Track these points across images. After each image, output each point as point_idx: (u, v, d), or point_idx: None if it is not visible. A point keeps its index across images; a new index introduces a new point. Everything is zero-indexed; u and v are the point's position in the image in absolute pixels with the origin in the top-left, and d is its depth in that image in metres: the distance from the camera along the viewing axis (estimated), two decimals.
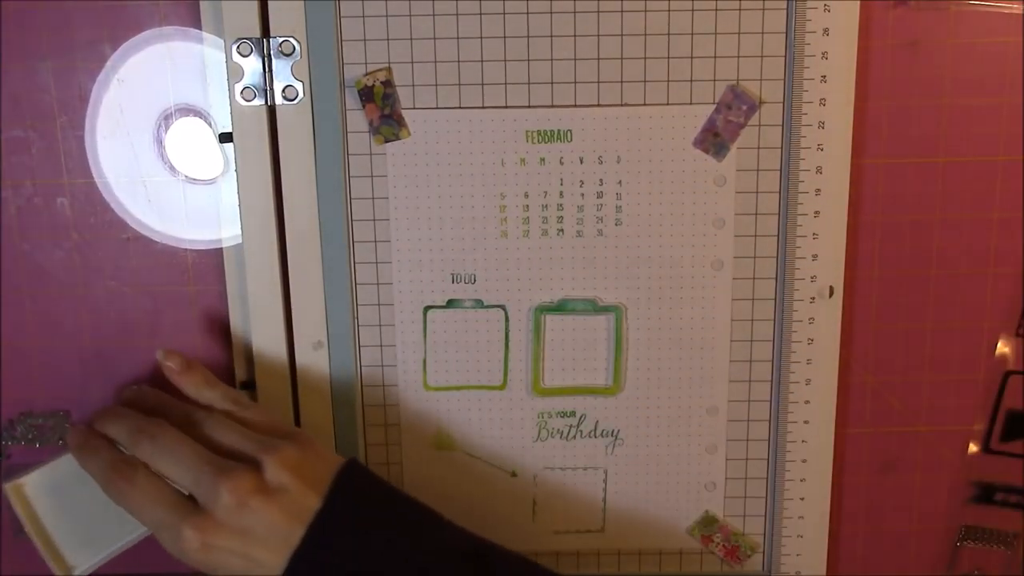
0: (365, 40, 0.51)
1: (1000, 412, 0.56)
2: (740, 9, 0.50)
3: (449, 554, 0.46)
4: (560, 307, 0.54)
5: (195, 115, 0.53)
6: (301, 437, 0.48)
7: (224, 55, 0.50)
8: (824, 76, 0.50)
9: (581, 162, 0.52)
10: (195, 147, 0.53)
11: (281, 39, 0.50)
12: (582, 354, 0.54)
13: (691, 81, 0.51)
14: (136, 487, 0.46)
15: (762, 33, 0.50)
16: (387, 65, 0.51)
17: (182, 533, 0.44)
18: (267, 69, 0.50)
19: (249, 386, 0.55)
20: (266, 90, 0.51)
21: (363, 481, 0.48)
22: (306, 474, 0.46)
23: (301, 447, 0.47)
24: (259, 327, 0.53)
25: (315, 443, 0.48)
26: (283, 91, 0.51)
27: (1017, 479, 0.57)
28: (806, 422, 0.55)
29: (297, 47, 0.50)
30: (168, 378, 0.51)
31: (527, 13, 0.50)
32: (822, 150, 0.51)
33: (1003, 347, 0.55)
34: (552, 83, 0.51)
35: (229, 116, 0.51)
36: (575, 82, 0.51)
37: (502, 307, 0.54)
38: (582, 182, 0.52)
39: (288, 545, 0.45)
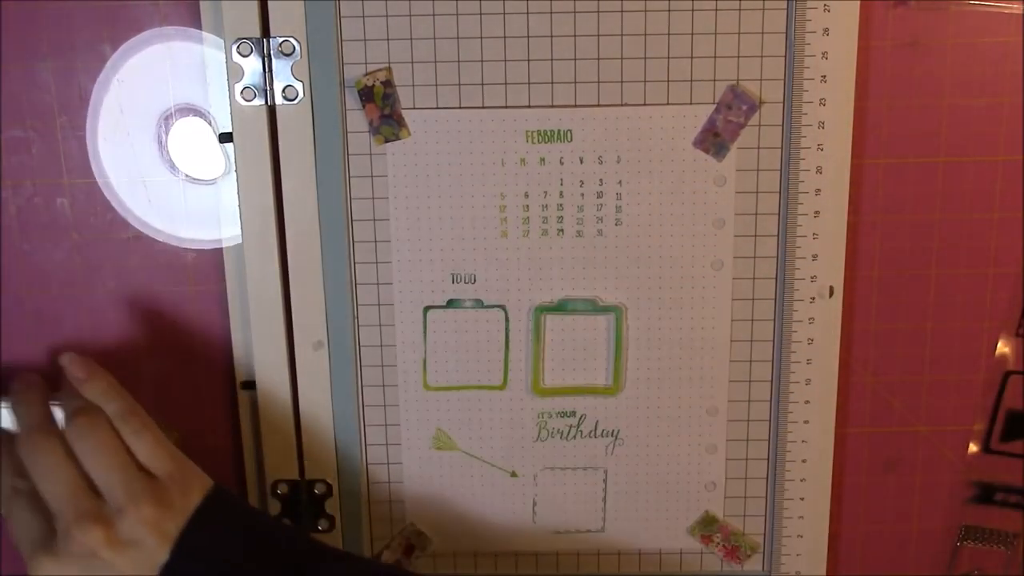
0: (365, 40, 0.51)
1: (1000, 412, 0.56)
2: (740, 9, 0.50)
3: None
4: (560, 307, 0.54)
5: (195, 115, 0.53)
6: (175, 478, 0.48)
7: (224, 55, 0.50)
8: (824, 76, 0.50)
9: (581, 162, 0.52)
10: (195, 147, 0.53)
11: (281, 39, 0.50)
12: (582, 354, 0.54)
13: (691, 81, 0.51)
14: (12, 507, 0.48)
15: (762, 33, 0.50)
16: (387, 65, 0.51)
17: (37, 560, 0.46)
18: (267, 69, 0.50)
19: (249, 386, 0.55)
20: (266, 90, 0.51)
21: (216, 530, 0.47)
22: (163, 528, 0.46)
23: (164, 499, 0.46)
24: (259, 327, 0.53)
25: (186, 484, 0.48)
26: (283, 91, 0.51)
27: (1017, 479, 0.57)
28: (806, 422, 0.55)
29: (297, 47, 0.50)
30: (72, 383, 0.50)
31: (527, 13, 0.50)
32: (822, 150, 0.51)
33: (1003, 347, 0.55)
34: (552, 83, 0.51)
35: (229, 116, 0.51)
36: (575, 82, 0.51)
37: (502, 307, 0.54)
38: (582, 182, 0.52)
39: None
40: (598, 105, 0.51)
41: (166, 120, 0.53)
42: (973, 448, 0.57)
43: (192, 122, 0.53)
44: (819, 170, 0.52)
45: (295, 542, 0.49)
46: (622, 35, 0.51)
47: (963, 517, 0.58)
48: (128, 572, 0.45)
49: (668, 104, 0.51)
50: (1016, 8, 0.51)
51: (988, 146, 0.53)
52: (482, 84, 0.51)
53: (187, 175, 0.54)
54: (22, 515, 0.47)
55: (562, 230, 0.53)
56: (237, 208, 0.52)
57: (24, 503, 0.47)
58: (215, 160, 0.53)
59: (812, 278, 0.53)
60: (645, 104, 0.51)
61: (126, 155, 0.53)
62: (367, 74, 0.51)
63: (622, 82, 0.51)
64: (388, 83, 0.51)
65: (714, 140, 0.52)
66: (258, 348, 0.54)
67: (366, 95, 0.51)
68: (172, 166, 0.54)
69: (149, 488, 0.47)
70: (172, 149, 0.53)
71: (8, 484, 0.48)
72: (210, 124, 0.53)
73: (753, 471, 0.56)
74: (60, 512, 0.46)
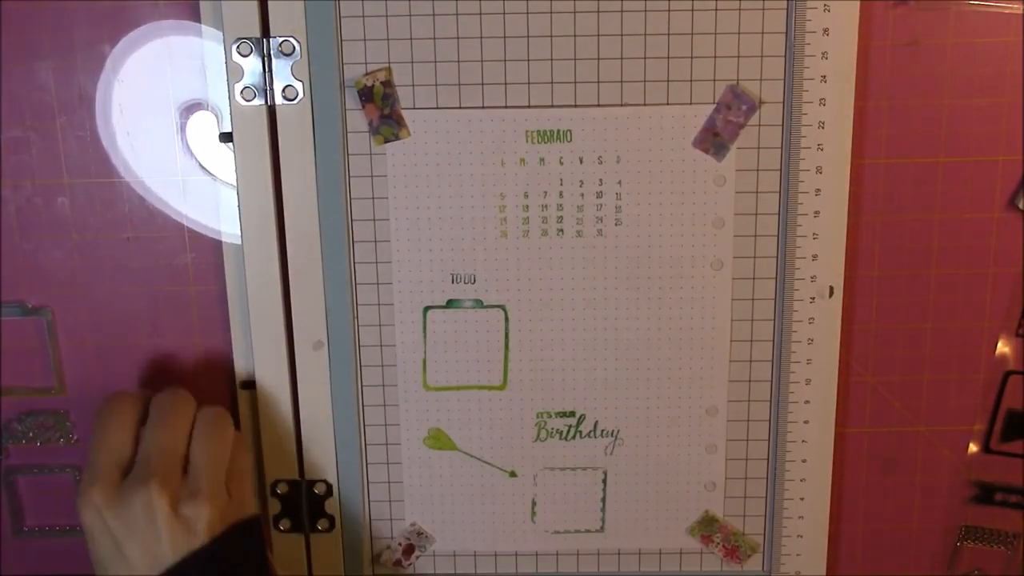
0: (365, 40, 0.51)
1: (1000, 412, 0.56)
2: (740, 9, 0.50)
3: None
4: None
5: (195, 115, 0.53)
6: (244, 497, 0.51)
7: (224, 55, 0.50)
8: (824, 76, 0.50)
9: (581, 162, 0.52)
10: (195, 147, 0.53)
11: (281, 39, 0.50)
12: (581, 353, 0.54)
13: (691, 81, 0.51)
14: (105, 418, 0.50)
15: (762, 33, 0.50)
16: (387, 65, 0.51)
17: (91, 490, 0.47)
18: (267, 69, 0.50)
19: (249, 386, 0.55)
20: (266, 90, 0.51)
21: (243, 549, 0.50)
22: (214, 529, 0.48)
23: (224, 508, 0.49)
24: (259, 327, 0.53)
25: (246, 503, 0.51)
26: (283, 91, 0.51)
27: (1017, 479, 0.57)
28: (806, 422, 0.55)
29: (297, 47, 0.50)
30: None
31: (527, 13, 0.50)
32: (822, 150, 0.51)
33: (1003, 347, 0.55)
34: (552, 83, 0.51)
35: (229, 116, 0.51)
36: (575, 82, 0.51)
37: (502, 307, 0.54)
38: (582, 182, 0.52)
39: (157, 564, 0.47)
40: (598, 105, 0.51)
41: (166, 120, 0.53)
42: (973, 448, 0.57)
43: (192, 122, 0.53)
44: (819, 170, 0.52)
45: None
46: (622, 35, 0.51)
47: (963, 517, 0.58)
48: (165, 541, 0.47)
49: (668, 104, 0.51)
50: (1016, 8, 0.51)
51: (988, 146, 0.53)
52: (482, 84, 0.51)
53: (187, 175, 0.54)
54: (109, 441, 0.49)
55: (562, 230, 0.53)
56: (237, 208, 0.52)
57: (118, 435, 0.50)
58: (214, 160, 0.53)
59: (812, 278, 0.53)
60: (645, 104, 0.51)
61: (126, 155, 0.53)
62: (367, 74, 0.51)
63: (622, 82, 0.51)
64: (388, 83, 0.51)
65: (714, 140, 0.52)
66: (258, 348, 0.54)
67: (366, 95, 0.51)
68: (172, 166, 0.54)
69: (219, 493, 0.49)
70: (172, 149, 0.53)
71: (120, 412, 0.50)
72: (211, 124, 0.53)
73: (753, 471, 0.56)
74: (147, 460, 0.48)
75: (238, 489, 0.51)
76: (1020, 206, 0.53)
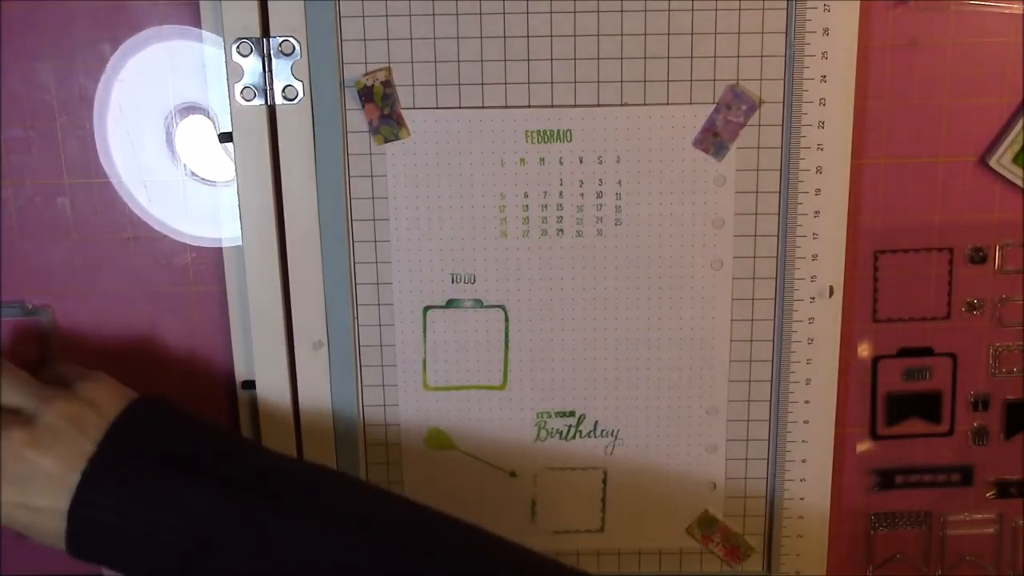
0: (365, 40, 0.51)
1: (878, 396, 0.56)
2: (740, 9, 0.50)
3: (234, 484, 0.46)
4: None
5: (195, 115, 0.53)
6: (89, 383, 0.48)
7: (224, 55, 0.50)
8: (824, 76, 0.50)
9: (581, 162, 0.52)
10: (195, 147, 0.53)
11: (281, 39, 0.50)
12: (581, 353, 0.54)
13: (691, 81, 0.51)
14: None
15: (762, 33, 0.50)
16: (387, 65, 0.51)
17: None
18: (267, 69, 0.50)
19: (249, 386, 0.55)
20: (266, 90, 0.51)
21: (148, 424, 0.48)
22: (83, 421, 0.46)
23: (79, 398, 0.47)
24: (259, 327, 0.53)
25: (104, 390, 0.48)
26: (283, 91, 0.51)
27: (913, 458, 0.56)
28: (806, 422, 0.55)
29: (297, 47, 0.50)
30: None
31: (527, 13, 0.50)
32: (822, 150, 0.51)
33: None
34: (552, 83, 0.51)
35: (229, 116, 0.51)
36: (575, 82, 0.51)
37: (502, 307, 0.54)
38: (582, 182, 0.52)
39: (67, 491, 0.45)
40: (598, 105, 0.51)
41: (166, 120, 0.53)
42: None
43: (192, 122, 0.53)
44: (819, 170, 0.52)
45: (254, 454, 0.49)
46: (622, 35, 0.51)
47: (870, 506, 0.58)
48: (53, 468, 0.45)
49: (668, 104, 0.51)
50: (1016, 8, 0.51)
51: (988, 146, 0.53)
52: (482, 84, 0.51)
53: (187, 175, 0.54)
54: None
55: (562, 230, 0.53)
56: (237, 208, 0.52)
57: None
58: (215, 160, 0.53)
59: (812, 278, 0.53)
60: (645, 104, 0.51)
61: (126, 155, 0.53)
62: (367, 74, 0.51)
63: (622, 82, 0.51)
64: (388, 83, 0.51)
65: (714, 140, 0.52)
66: (258, 348, 0.54)
67: (366, 95, 0.51)
68: (172, 166, 0.54)
69: (61, 392, 0.47)
70: (172, 149, 0.53)
71: None
72: (210, 124, 0.53)
73: (753, 471, 0.56)
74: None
75: (69, 377, 0.50)
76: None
